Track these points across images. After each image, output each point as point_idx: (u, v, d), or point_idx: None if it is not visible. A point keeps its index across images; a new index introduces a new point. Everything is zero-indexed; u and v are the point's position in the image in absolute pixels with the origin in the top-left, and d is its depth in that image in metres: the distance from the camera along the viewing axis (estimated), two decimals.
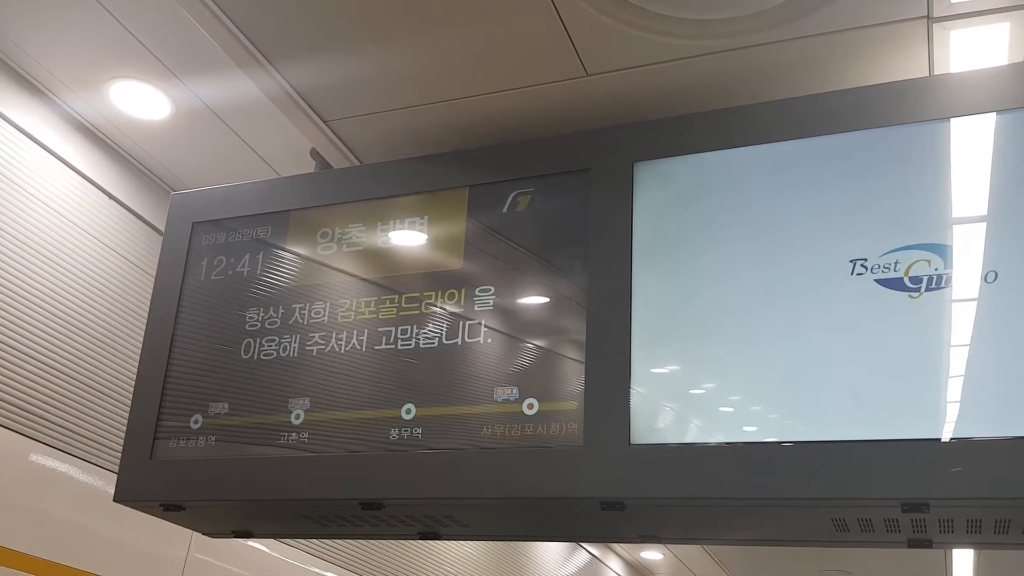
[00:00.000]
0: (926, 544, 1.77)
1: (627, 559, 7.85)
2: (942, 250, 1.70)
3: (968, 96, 1.78)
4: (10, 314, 2.81)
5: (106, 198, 3.20)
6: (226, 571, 3.66)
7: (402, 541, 4.76)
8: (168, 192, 3.08)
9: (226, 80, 2.68)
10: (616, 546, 7.56)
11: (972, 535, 1.73)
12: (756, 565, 7.44)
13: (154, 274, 2.39)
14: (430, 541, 2.10)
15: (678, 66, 2.08)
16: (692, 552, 7.24)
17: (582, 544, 6.98)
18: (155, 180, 3.36)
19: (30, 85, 2.89)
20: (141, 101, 2.90)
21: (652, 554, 7.61)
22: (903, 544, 1.79)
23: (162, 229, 2.48)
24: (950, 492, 1.55)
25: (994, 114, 1.75)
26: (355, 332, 2.11)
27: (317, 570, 4.20)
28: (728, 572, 7.69)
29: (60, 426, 2.96)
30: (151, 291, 2.38)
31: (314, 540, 4.13)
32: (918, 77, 1.98)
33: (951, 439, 1.58)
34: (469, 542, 5.50)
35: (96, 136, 3.12)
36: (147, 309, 2.36)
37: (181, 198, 2.47)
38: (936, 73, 2.02)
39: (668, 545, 7.12)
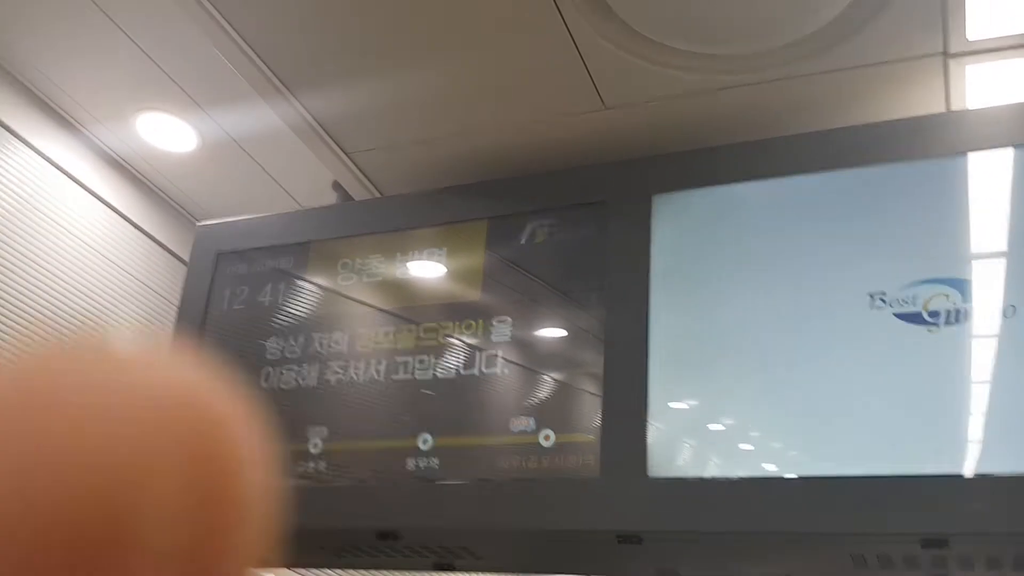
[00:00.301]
0: None
1: None
2: (961, 285, 1.69)
3: (986, 131, 1.78)
4: (38, 342, 2.85)
5: (132, 228, 3.25)
6: None
7: (416, 573, 4.72)
8: (193, 223, 3.12)
9: (250, 112, 2.72)
10: None
11: (991, 572, 1.70)
12: None
13: (177, 302, 2.43)
14: (445, 573, 2.10)
15: (695, 100, 2.10)
16: None
17: None
18: (180, 211, 3.41)
19: (59, 116, 2.95)
20: (168, 133, 2.95)
21: None
22: None
23: (186, 259, 2.52)
24: (970, 528, 1.53)
25: (1012, 149, 1.75)
26: (373, 362, 2.13)
27: None
28: None
29: None
30: (174, 320, 2.41)
31: (328, 570, 4.12)
32: (936, 113, 1.99)
33: (971, 475, 1.56)
34: (483, 574, 5.45)
35: (123, 167, 3.18)
36: (170, 338, 2.39)
37: (206, 229, 2.51)
38: (953, 109, 2.03)
39: None
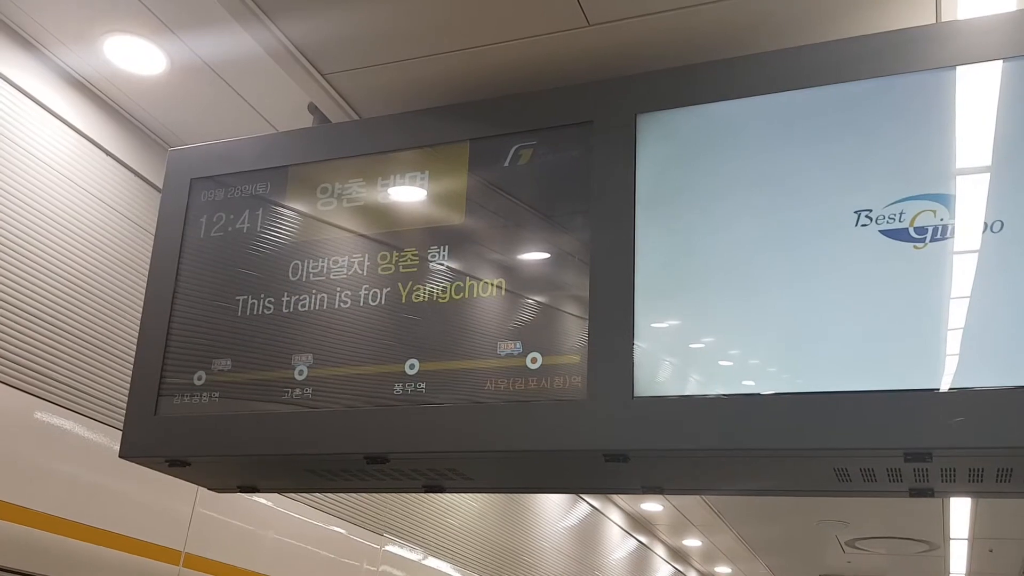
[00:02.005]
0: (928, 493, 1.78)
1: (627, 511, 7.93)
2: (947, 200, 1.69)
3: (974, 43, 1.76)
4: (11, 272, 2.80)
5: (103, 154, 3.17)
6: (232, 526, 3.70)
7: (407, 494, 4.80)
8: (165, 148, 3.04)
9: (222, 34, 2.63)
10: (616, 498, 7.64)
11: (974, 484, 1.74)
12: (755, 516, 7.52)
13: (153, 231, 2.38)
14: (434, 494, 2.11)
15: (681, 15, 2.05)
16: (692, 504, 7.32)
17: (583, 497, 7.05)
18: (151, 136, 3.32)
19: (22, 40, 2.85)
20: (136, 56, 2.86)
21: (652, 506, 7.69)
22: (905, 493, 1.80)
23: (159, 186, 2.46)
24: (953, 442, 1.55)
25: (1000, 61, 1.72)
26: (357, 287, 2.11)
27: (322, 524, 4.24)
28: (727, 523, 7.78)
29: (64, 383, 2.97)
30: (151, 248, 2.36)
31: (319, 494, 4.17)
32: (924, 24, 1.95)
33: (954, 389, 1.58)
34: (472, 495, 5.55)
35: (90, 91, 3.08)
36: (147, 266, 2.35)
37: (179, 154, 2.45)
38: (943, 20, 1.99)
39: (669, 497, 7.20)
